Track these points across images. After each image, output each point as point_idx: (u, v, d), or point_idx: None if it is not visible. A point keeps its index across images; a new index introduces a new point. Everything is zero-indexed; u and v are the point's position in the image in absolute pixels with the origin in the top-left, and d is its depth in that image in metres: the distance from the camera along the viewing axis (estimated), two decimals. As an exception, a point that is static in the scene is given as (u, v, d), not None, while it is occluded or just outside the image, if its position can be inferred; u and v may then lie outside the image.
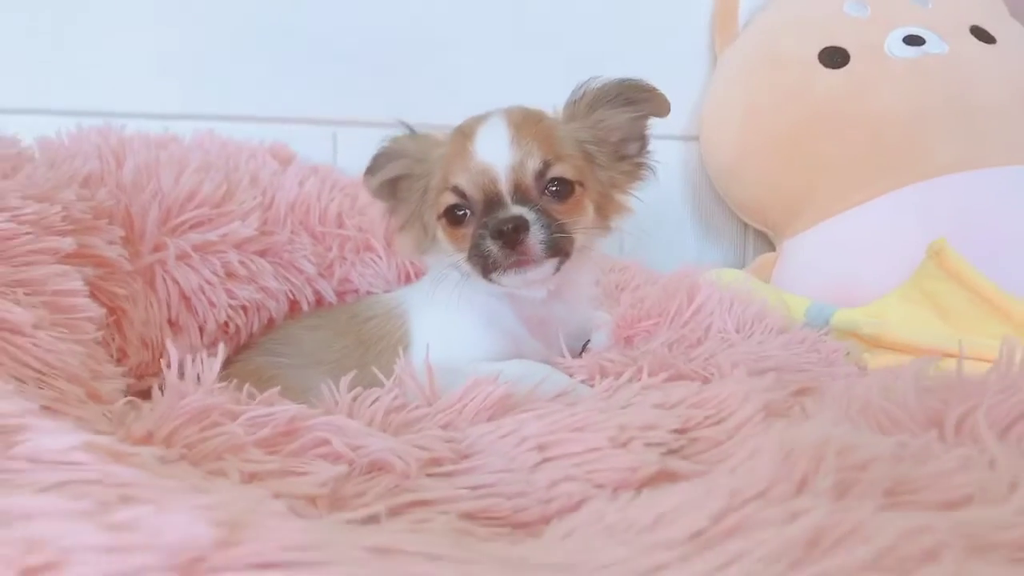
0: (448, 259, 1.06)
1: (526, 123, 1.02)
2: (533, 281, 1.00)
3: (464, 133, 1.04)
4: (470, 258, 1.00)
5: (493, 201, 0.98)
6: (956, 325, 1.16)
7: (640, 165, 1.11)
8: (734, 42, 1.78)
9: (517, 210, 0.96)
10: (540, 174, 0.99)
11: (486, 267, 0.98)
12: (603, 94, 1.06)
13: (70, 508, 0.41)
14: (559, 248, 0.98)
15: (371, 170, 1.12)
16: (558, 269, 1.00)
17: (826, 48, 1.61)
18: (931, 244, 1.13)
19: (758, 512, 0.49)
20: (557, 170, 1.00)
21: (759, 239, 1.90)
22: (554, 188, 1.00)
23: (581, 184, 1.03)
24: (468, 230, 1.01)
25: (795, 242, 1.65)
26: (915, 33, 1.58)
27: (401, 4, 1.73)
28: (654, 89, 1.07)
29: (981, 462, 0.56)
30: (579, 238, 1.02)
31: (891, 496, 0.52)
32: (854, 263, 1.49)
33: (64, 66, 1.57)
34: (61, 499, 0.42)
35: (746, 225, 1.90)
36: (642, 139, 1.11)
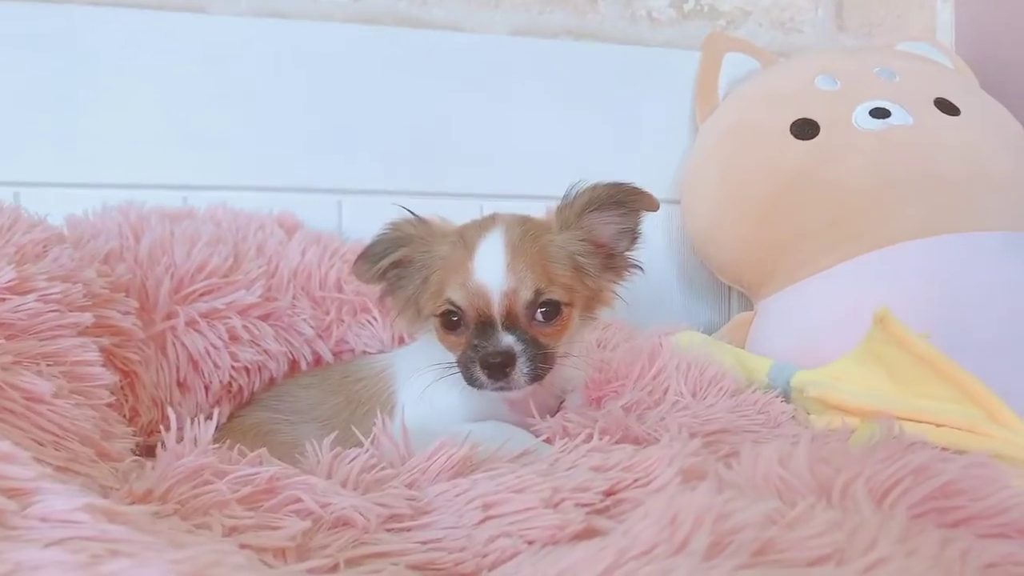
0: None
1: (523, 244, 1.08)
2: (512, 395, 1.09)
3: (466, 244, 1.09)
4: (458, 366, 1.08)
5: (485, 322, 1.06)
6: (907, 387, 1.24)
7: (627, 264, 1.17)
8: (714, 112, 1.88)
9: (506, 341, 1.04)
10: (531, 302, 1.06)
11: (471, 380, 1.06)
12: (593, 200, 1.12)
13: (68, 560, 0.52)
14: (540, 375, 1.06)
15: (368, 256, 1.15)
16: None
17: (797, 120, 1.69)
18: (875, 312, 1.20)
19: (638, 568, 0.59)
20: (547, 296, 1.07)
21: (742, 296, 1.97)
22: (543, 310, 1.07)
23: (569, 304, 1.10)
24: (460, 338, 1.09)
25: (769, 303, 1.72)
26: (881, 106, 1.66)
27: (404, 80, 1.86)
28: (641, 190, 1.12)
29: (847, 526, 0.65)
30: (561, 347, 1.10)
31: (759, 556, 0.61)
32: (822, 324, 1.56)
33: (89, 142, 1.67)
34: (62, 552, 0.53)
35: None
36: (634, 232, 1.16)
